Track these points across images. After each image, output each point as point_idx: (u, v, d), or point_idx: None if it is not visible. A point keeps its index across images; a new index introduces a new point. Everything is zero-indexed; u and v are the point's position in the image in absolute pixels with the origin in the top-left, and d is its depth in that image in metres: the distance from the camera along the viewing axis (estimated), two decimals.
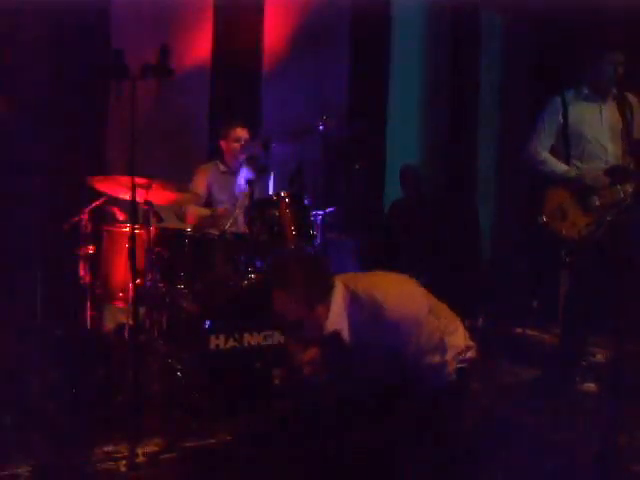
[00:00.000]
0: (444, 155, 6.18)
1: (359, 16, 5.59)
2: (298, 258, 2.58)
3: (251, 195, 3.92)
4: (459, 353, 2.56)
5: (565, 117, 3.71)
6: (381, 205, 5.84)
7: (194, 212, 4.26)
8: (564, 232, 3.64)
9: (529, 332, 5.19)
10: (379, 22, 5.74)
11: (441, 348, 2.52)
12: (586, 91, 3.74)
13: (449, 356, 2.53)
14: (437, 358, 2.50)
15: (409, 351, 2.45)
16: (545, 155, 3.77)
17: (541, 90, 6.28)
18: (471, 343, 2.62)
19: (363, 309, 2.45)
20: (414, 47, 5.96)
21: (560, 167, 3.71)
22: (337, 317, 2.45)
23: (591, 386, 3.78)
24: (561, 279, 5.67)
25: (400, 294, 2.49)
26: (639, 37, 4.09)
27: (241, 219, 4.15)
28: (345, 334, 2.46)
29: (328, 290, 2.45)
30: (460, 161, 6.24)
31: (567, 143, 3.72)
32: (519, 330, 5.09)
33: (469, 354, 2.59)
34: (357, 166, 4.78)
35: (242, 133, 4.40)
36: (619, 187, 3.54)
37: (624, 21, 4.45)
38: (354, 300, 2.47)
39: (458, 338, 2.59)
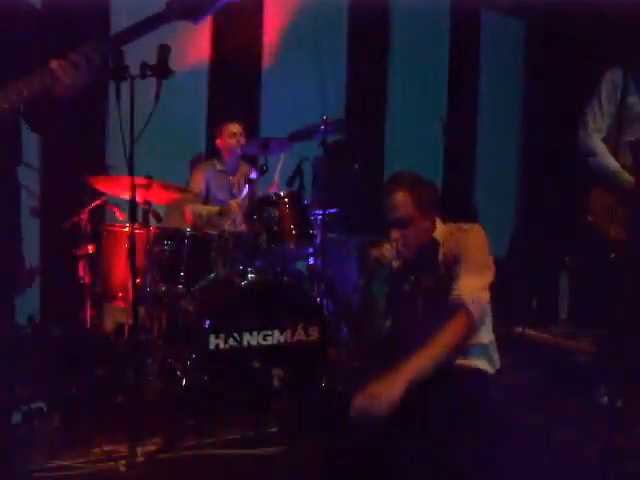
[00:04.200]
0: (443, 155, 6.17)
1: (359, 15, 5.59)
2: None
3: (251, 195, 3.92)
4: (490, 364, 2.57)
5: (624, 96, 3.33)
6: (381, 205, 5.83)
7: (199, 210, 4.25)
8: (612, 234, 3.40)
9: (529, 332, 5.19)
10: (379, 21, 5.74)
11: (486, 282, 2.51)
12: None
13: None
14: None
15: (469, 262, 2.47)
16: (598, 145, 3.40)
17: (541, 90, 6.31)
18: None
19: (451, 235, 2.52)
20: (414, 47, 5.95)
21: (612, 164, 3.37)
22: (440, 235, 2.52)
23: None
24: (561, 279, 5.69)
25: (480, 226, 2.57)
26: None
27: (240, 219, 4.16)
28: (440, 252, 2.50)
29: (436, 211, 2.54)
30: (459, 161, 6.24)
31: (621, 125, 3.37)
32: (519, 330, 5.09)
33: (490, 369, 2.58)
34: (357, 166, 4.78)
35: (235, 128, 4.40)
36: None
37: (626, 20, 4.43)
38: (449, 234, 2.53)
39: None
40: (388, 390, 2.16)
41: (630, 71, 3.40)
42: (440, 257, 2.50)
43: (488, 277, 2.45)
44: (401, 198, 2.46)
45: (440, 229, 2.55)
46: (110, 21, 4.44)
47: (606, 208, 3.42)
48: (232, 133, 4.38)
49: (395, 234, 2.50)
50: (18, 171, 2.21)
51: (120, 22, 4.45)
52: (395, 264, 2.55)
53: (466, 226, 2.57)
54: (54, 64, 2.01)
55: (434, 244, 2.52)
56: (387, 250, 2.52)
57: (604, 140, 3.45)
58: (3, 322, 2.16)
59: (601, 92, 3.42)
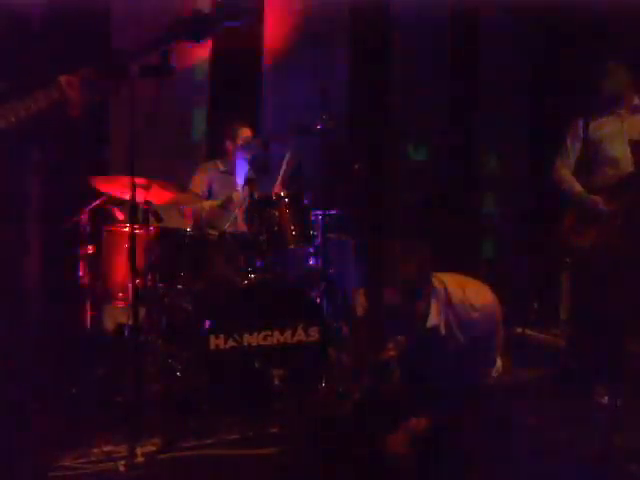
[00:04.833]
0: (444, 155, 6.17)
1: (359, 16, 5.59)
2: (409, 249, 2.51)
3: (251, 195, 3.92)
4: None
5: (585, 133, 3.83)
6: (381, 205, 5.84)
7: (200, 205, 4.24)
8: (579, 243, 3.79)
9: (529, 332, 5.19)
10: (379, 22, 5.74)
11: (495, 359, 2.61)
12: (606, 102, 3.81)
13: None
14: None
15: (479, 356, 2.53)
16: (565, 174, 3.89)
17: (542, 90, 6.30)
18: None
19: (455, 310, 2.47)
20: (415, 46, 5.95)
21: (576, 188, 3.83)
22: (435, 314, 2.47)
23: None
24: (561, 280, 5.68)
25: (490, 299, 2.53)
26: None
27: (240, 219, 4.15)
28: (442, 329, 2.48)
29: (430, 283, 2.46)
30: (461, 161, 6.23)
31: (588, 159, 3.83)
32: (519, 330, 5.09)
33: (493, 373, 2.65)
34: (357, 166, 4.78)
35: (248, 133, 4.40)
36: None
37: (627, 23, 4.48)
38: (447, 299, 2.49)
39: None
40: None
41: (595, 105, 3.89)
42: (443, 330, 2.49)
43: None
44: (390, 297, 2.37)
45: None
46: (110, 20, 4.45)
47: (572, 225, 3.84)
48: (245, 137, 4.38)
49: (390, 329, 2.49)
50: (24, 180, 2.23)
51: (121, 21, 4.47)
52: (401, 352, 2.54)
53: (477, 299, 2.50)
54: (63, 79, 2.03)
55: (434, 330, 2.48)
56: (393, 350, 2.49)
57: (573, 173, 3.93)
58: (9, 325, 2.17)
59: (567, 138, 3.93)
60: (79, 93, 2.03)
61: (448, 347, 2.48)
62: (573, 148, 3.91)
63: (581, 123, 3.88)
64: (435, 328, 2.46)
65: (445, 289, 2.48)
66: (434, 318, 2.46)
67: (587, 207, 3.76)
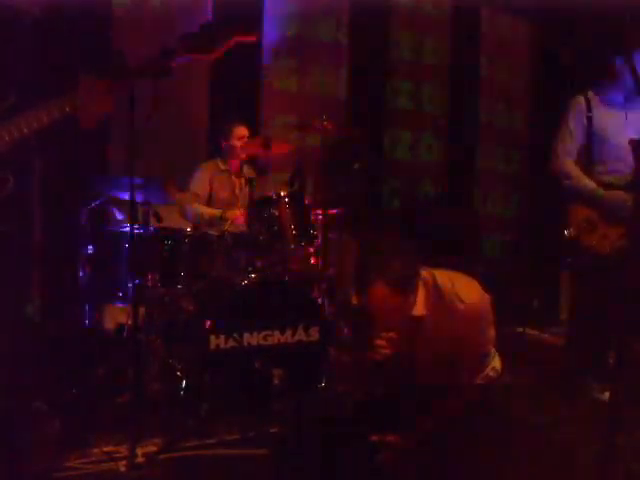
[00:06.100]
0: (444, 155, 6.17)
1: (359, 15, 5.59)
2: (394, 245, 2.53)
3: (251, 195, 3.92)
4: (492, 369, 2.62)
5: (590, 119, 3.54)
6: (381, 205, 5.85)
7: (200, 210, 4.24)
8: (595, 244, 3.52)
9: (529, 332, 5.19)
10: (379, 21, 5.74)
11: (488, 359, 2.59)
12: (610, 94, 3.57)
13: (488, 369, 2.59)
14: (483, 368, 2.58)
15: (468, 353, 2.51)
16: (572, 168, 3.59)
17: (542, 90, 6.31)
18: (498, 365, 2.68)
19: (442, 302, 2.46)
20: (415, 45, 5.96)
21: (588, 184, 3.54)
22: (422, 304, 2.47)
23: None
24: (561, 279, 5.69)
25: (478, 295, 2.51)
26: None
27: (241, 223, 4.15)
28: (429, 322, 2.48)
29: (417, 276, 2.46)
30: (460, 161, 6.24)
31: (590, 146, 3.56)
32: (519, 330, 5.10)
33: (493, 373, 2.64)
34: (357, 166, 4.78)
35: (244, 131, 4.41)
36: None
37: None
38: (436, 290, 2.48)
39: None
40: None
41: (597, 93, 3.61)
42: (429, 323, 2.48)
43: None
44: (379, 292, 2.36)
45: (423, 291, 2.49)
46: (111, 20, 4.45)
47: (586, 220, 3.55)
48: (241, 136, 4.38)
49: (380, 324, 2.47)
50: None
51: (121, 22, 4.48)
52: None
53: (466, 296, 2.48)
54: (78, 92, 2.05)
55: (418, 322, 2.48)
56: (382, 347, 2.47)
57: (575, 162, 3.62)
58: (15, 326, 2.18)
59: (568, 119, 3.61)
60: (94, 105, 2.05)
61: (435, 340, 2.48)
62: (576, 132, 3.57)
63: (583, 100, 3.57)
64: (421, 318, 2.46)
65: (434, 282, 2.49)
66: (421, 308, 2.46)
67: (608, 206, 3.46)
